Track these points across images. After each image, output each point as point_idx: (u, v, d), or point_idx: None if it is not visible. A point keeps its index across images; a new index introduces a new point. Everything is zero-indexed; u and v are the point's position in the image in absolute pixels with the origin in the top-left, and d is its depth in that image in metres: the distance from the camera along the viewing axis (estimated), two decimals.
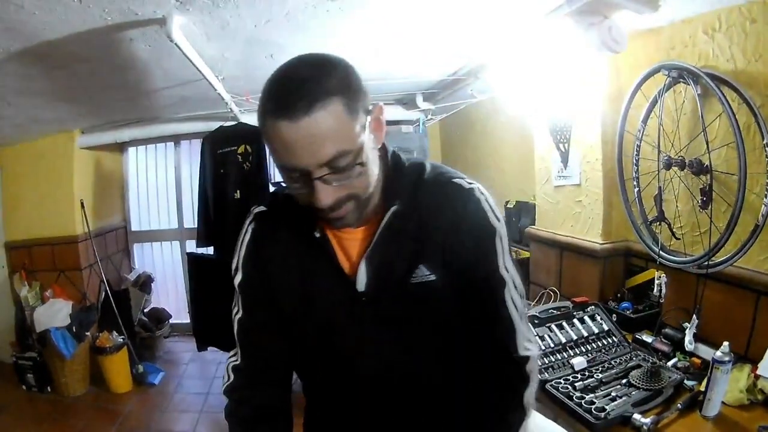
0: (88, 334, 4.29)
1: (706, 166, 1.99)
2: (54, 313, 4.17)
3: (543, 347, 2.23)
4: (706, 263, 2.04)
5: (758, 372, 1.78)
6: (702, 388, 1.78)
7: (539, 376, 2.06)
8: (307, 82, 0.92)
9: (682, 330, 2.10)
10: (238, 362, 1.25)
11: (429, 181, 1.13)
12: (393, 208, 1.09)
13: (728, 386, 1.74)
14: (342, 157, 0.94)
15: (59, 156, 4.43)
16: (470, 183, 1.13)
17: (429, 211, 1.10)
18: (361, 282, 1.12)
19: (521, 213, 3.36)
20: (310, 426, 1.38)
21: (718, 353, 1.70)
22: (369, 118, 0.99)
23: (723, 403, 1.74)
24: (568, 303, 2.52)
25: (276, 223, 1.18)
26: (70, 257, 4.57)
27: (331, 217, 1.04)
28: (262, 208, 1.22)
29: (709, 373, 1.72)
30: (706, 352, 1.98)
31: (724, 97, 1.88)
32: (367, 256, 1.11)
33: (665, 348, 2.14)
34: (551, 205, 2.96)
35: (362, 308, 1.13)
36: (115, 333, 4.41)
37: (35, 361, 4.21)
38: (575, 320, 2.38)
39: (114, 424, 3.89)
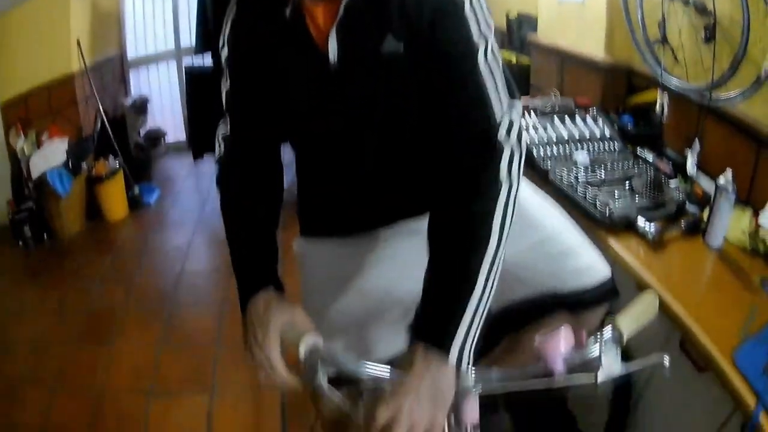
0: (84, 164, 4.36)
1: (710, 11, 2.03)
2: (49, 155, 4.16)
3: (545, 139, 2.29)
4: (708, 93, 2.08)
5: (760, 222, 1.75)
6: (704, 218, 1.80)
7: (546, 167, 2.12)
8: None
9: (684, 156, 2.12)
10: (227, 132, 1.31)
11: None
12: None
13: (731, 224, 1.75)
14: None
15: (54, 5, 4.32)
16: None
17: None
18: (333, 53, 1.12)
19: (523, 24, 3.44)
20: (303, 206, 1.45)
21: (721, 180, 1.71)
22: None
23: (725, 239, 1.77)
24: (570, 102, 2.60)
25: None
26: (66, 95, 4.58)
27: None
28: None
29: (712, 200, 1.74)
30: (707, 185, 1.99)
31: None
32: (336, 25, 1.11)
33: (666, 168, 2.12)
34: (553, 19, 3.02)
35: (334, 81, 1.15)
36: (111, 158, 4.50)
37: (31, 211, 4.20)
38: (577, 117, 2.42)
39: (109, 255, 4.05)
